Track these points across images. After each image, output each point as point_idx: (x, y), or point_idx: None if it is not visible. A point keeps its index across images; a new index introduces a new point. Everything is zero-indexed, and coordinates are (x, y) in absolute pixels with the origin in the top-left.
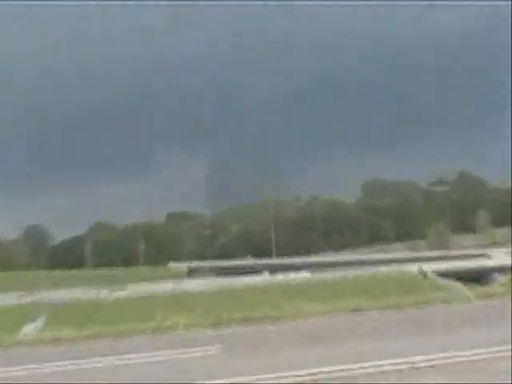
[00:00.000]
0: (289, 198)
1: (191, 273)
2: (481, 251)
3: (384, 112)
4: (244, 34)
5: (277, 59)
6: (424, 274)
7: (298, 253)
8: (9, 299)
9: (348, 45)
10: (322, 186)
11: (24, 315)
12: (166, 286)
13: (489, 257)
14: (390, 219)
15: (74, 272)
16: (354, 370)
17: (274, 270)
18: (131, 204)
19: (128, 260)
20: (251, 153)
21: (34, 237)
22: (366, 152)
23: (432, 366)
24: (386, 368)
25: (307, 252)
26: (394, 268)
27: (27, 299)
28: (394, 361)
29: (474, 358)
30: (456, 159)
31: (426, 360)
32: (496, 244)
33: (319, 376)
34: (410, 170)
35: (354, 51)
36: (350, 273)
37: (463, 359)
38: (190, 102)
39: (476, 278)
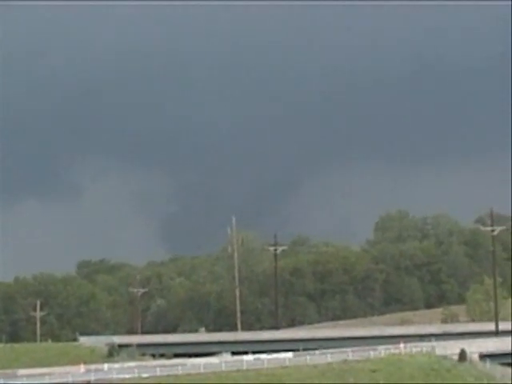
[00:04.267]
0: (264, 242)
1: (113, 352)
2: None
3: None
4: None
5: None
6: (464, 358)
7: (274, 324)
8: None
9: None
10: (316, 221)
11: None
12: (76, 373)
13: None
14: (416, 274)
15: None
16: None
17: (238, 348)
18: (19, 247)
19: (17, 332)
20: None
21: None
22: (384, 172)
23: None
24: None
25: (290, 323)
26: (421, 347)
27: None
28: None
29: None
30: None
31: None
32: None
33: None
34: (446, 199)
35: None
36: (355, 354)
37: None
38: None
39: None
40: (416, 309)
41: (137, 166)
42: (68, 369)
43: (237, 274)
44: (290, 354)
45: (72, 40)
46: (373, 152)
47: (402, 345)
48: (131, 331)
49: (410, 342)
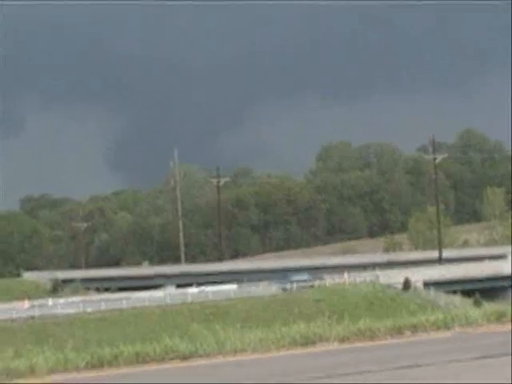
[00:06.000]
0: (206, 173)
1: (57, 288)
2: (494, 250)
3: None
4: None
5: None
6: (408, 286)
7: (218, 256)
8: None
9: None
10: (258, 152)
11: None
12: (20, 309)
13: (505, 259)
14: (359, 204)
15: None
16: None
17: (182, 281)
18: None
19: None
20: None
21: None
22: (328, 102)
23: None
24: None
25: (233, 254)
26: (365, 277)
27: None
28: None
29: None
30: (457, 113)
31: None
32: None
33: None
34: (389, 127)
35: None
36: (299, 285)
37: None
38: None
39: (486, 290)
40: (359, 238)
41: (79, 101)
42: (12, 304)
43: (180, 207)
44: (234, 286)
45: None
46: (314, 84)
47: (345, 274)
48: (75, 266)
49: (354, 271)
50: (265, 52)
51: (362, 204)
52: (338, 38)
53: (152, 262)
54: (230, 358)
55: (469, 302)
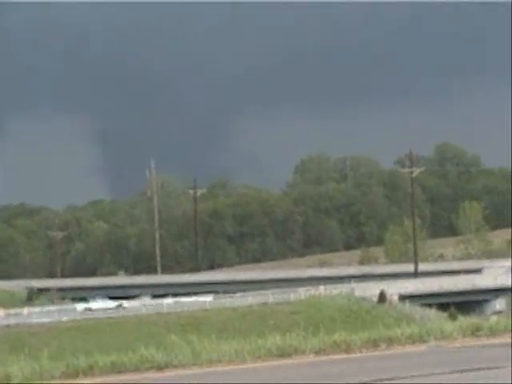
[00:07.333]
0: (183, 184)
1: (32, 297)
2: (469, 264)
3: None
4: None
5: None
6: (384, 299)
7: (194, 267)
8: None
9: None
10: (235, 163)
11: None
12: None
13: (481, 273)
14: (335, 216)
15: None
16: None
17: (158, 291)
18: None
19: None
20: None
21: None
22: (306, 114)
23: None
24: None
25: (210, 265)
26: (341, 289)
27: None
28: None
29: None
30: (435, 126)
31: None
32: (492, 253)
33: None
34: (366, 140)
35: None
36: (275, 297)
37: None
38: None
39: (462, 303)
40: (335, 250)
41: (56, 109)
42: None
43: (156, 217)
44: (210, 297)
45: None
46: (292, 96)
47: (321, 287)
48: (51, 275)
49: (330, 283)
50: (242, 64)
51: (338, 217)
52: (316, 50)
53: (128, 272)
54: (206, 369)
55: (444, 315)
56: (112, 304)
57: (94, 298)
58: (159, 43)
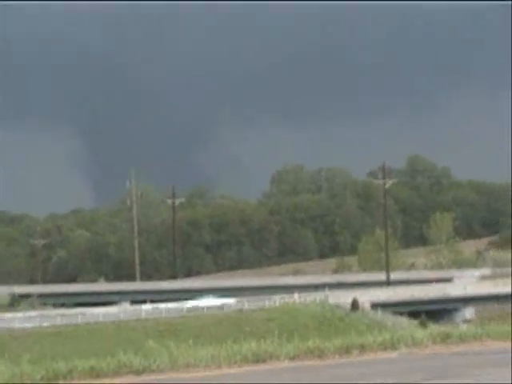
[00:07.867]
0: (162, 193)
1: (14, 303)
2: (440, 274)
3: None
4: None
5: None
6: (357, 307)
7: (172, 274)
8: None
9: None
10: (213, 173)
11: None
12: None
13: (451, 282)
14: (310, 226)
15: None
16: None
17: (137, 298)
18: None
19: None
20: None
21: None
22: (281, 125)
23: None
24: None
25: (187, 273)
26: (315, 297)
27: None
28: None
29: None
30: (407, 140)
31: None
32: (463, 263)
33: None
34: (341, 152)
35: None
36: (251, 304)
37: None
38: None
39: (432, 312)
40: (310, 259)
41: (37, 118)
42: None
43: (136, 226)
44: (188, 304)
45: None
46: (269, 107)
47: (296, 294)
48: (33, 282)
49: (305, 291)
50: (219, 74)
51: (313, 226)
52: (293, 60)
53: (108, 279)
54: (183, 374)
55: (415, 323)
56: (218, 302)
57: (202, 295)
58: (136, 54)
